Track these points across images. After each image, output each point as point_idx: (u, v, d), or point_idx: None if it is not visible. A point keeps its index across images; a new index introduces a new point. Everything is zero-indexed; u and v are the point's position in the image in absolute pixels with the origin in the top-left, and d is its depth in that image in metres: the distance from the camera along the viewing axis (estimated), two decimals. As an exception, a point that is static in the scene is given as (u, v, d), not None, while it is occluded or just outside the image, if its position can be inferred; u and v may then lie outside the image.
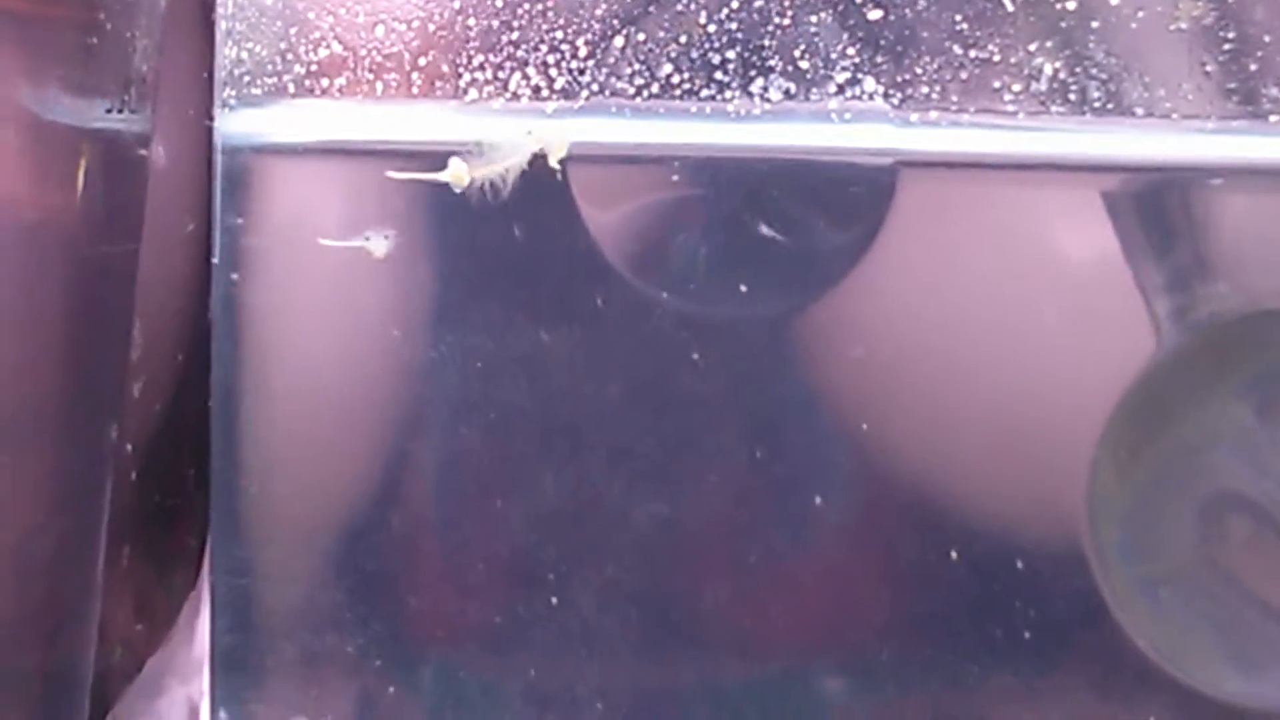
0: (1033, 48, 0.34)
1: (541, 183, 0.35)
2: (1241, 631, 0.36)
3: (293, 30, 0.36)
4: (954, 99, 0.34)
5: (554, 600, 0.36)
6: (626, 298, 0.35)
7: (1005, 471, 0.35)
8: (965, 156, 0.35)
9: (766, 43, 0.35)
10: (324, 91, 0.36)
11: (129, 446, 0.41)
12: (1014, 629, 0.36)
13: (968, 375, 0.35)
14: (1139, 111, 0.34)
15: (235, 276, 0.37)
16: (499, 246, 0.36)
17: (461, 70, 0.36)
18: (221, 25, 0.37)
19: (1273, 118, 0.34)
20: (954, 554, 0.35)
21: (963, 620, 0.36)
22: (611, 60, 0.35)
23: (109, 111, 0.39)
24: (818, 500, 0.36)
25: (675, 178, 0.35)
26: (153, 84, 0.40)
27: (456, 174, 0.35)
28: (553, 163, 0.35)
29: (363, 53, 0.36)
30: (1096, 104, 0.34)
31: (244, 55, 0.37)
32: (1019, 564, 0.35)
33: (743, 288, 0.35)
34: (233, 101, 0.37)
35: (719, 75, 0.35)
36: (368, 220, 0.36)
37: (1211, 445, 0.35)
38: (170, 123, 0.41)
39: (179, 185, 0.41)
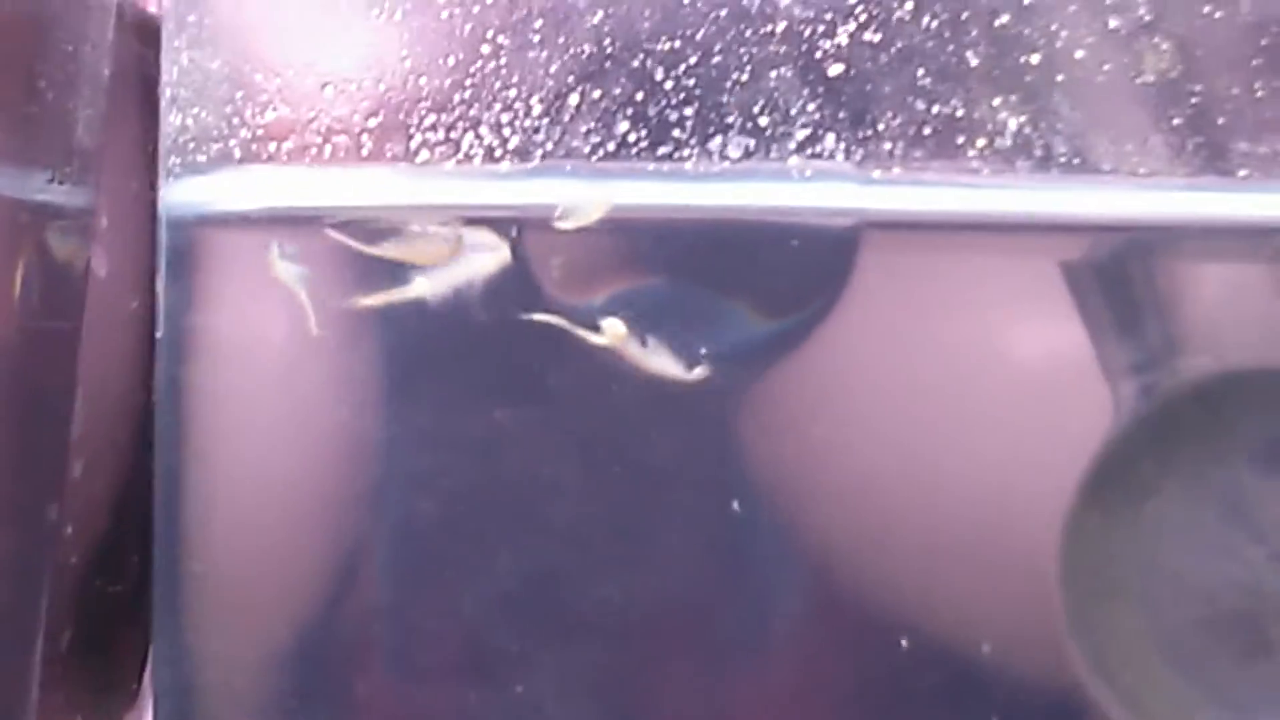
0: (996, 103, 0.34)
1: (503, 250, 0.35)
2: (1227, 699, 0.35)
3: (239, 94, 0.36)
4: (917, 156, 0.34)
5: (516, 688, 0.35)
6: (582, 365, 0.35)
7: (973, 551, 0.34)
8: (929, 217, 0.34)
9: (725, 99, 0.34)
10: (271, 157, 0.35)
11: (69, 529, 0.40)
12: (983, 714, 0.35)
13: (931, 446, 0.34)
14: (1105, 168, 0.34)
15: (179, 354, 0.36)
16: (452, 321, 0.35)
17: (413, 131, 0.35)
18: (166, 92, 0.36)
19: (1241, 173, 0.33)
20: (921, 638, 0.34)
21: (932, 706, 0.35)
22: (566, 119, 0.34)
23: (50, 183, 0.38)
24: (779, 579, 0.35)
25: (632, 238, 0.34)
26: (96, 157, 0.39)
27: (616, 334, 0.34)
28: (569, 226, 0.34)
29: (311, 115, 0.35)
30: (1062, 160, 0.34)
31: (189, 122, 0.36)
32: (985, 648, 0.34)
33: (702, 351, 0.34)
34: (177, 169, 0.36)
35: (676, 133, 0.34)
36: (317, 292, 0.35)
37: (1187, 513, 0.34)
38: (114, 197, 0.40)
39: (123, 261, 0.40)
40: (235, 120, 0.36)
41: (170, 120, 0.36)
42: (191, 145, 0.36)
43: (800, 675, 0.35)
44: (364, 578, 0.36)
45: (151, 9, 0.41)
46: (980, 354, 0.34)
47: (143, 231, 0.38)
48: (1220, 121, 0.33)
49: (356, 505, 0.36)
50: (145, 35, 0.40)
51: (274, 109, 0.35)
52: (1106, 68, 0.33)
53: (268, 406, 0.36)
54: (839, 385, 0.34)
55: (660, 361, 0.34)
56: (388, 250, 0.35)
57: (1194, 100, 0.33)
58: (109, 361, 0.41)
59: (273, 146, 0.35)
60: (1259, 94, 0.33)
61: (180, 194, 0.36)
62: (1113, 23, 0.33)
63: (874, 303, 0.34)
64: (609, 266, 0.34)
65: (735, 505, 0.35)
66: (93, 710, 0.44)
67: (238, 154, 0.36)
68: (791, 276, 0.34)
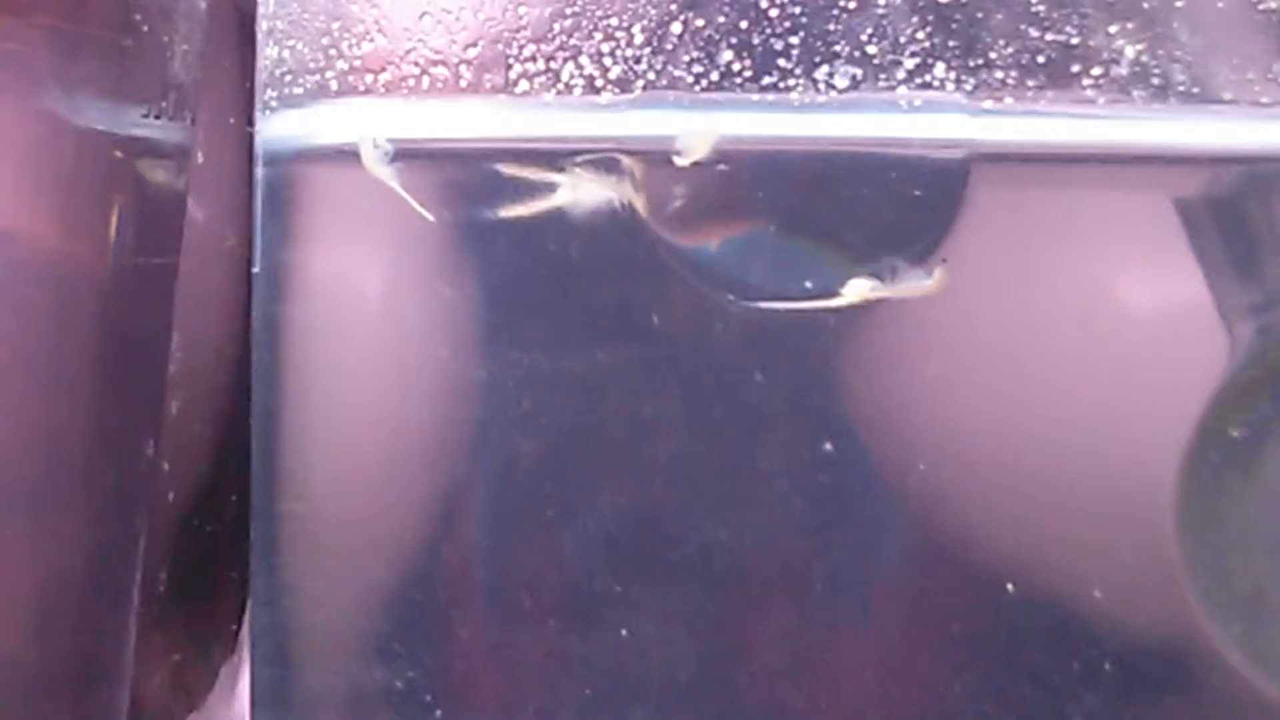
0: (1113, 30, 0.33)
1: (602, 183, 0.34)
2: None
3: (335, 25, 0.35)
4: (1029, 85, 0.33)
5: (618, 631, 0.35)
6: (683, 304, 0.34)
7: (1088, 492, 0.34)
8: (1042, 147, 0.33)
9: (831, 27, 0.33)
10: (368, 89, 0.35)
11: (166, 465, 0.39)
12: (1096, 660, 0.34)
13: (1043, 387, 0.34)
14: (1226, 97, 0.33)
15: (276, 291, 0.36)
16: (552, 255, 0.34)
17: (512, 62, 0.34)
18: (263, 24, 0.36)
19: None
20: (1032, 584, 0.34)
21: (1042, 652, 0.34)
22: (669, 48, 0.34)
23: (146, 117, 0.38)
24: (884, 524, 0.34)
25: (738, 171, 0.34)
26: (193, 92, 0.39)
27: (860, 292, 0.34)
28: (685, 162, 0.33)
29: (408, 46, 0.35)
30: (1181, 89, 0.33)
31: (285, 54, 0.36)
32: (1097, 594, 0.34)
33: (808, 285, 0.33)
34: (274, 103, 0.36)
35: (781, 62, 0.33)
36: (413, 229, 0.35)
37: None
38: (211, 132, 0.40)
39: (220, 196, 0.40)
40: (332, 52, 0.35)
41: (267, 53, 0.36)
42: (288, 78, 0.36)
43: (906, 621, 0.35)
44: (463, 518, 0.36)
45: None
46: (1094, 292, 0.33)
47: (240, 167, 0.37)
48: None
49: (456, 442, 0.35)
50: (244, -31, 0.39)
51: (370, 40, 0.35)
52: (1227, -6, 0.33)
53: (364, 343, 0.36)
54: (950, 323, 0.33)
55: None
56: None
57: (1318, 27, 0.32)
58: (206, 299, 0.40)
59: (370, 78, 0.35)
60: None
61: (277, 128, 0.36)
62: (1235, -53, 0.32)
63: (986, 237, 0.33)
64: (715, 200, 0.34)
65: (841, 447, 0.34)
66: (191, 651, 0.44)
67: (335, 86, 0.35)
68: (901, 210, 0.33)
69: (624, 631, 0.35)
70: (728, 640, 0.35)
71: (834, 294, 0.33)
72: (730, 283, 0.34)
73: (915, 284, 0.33)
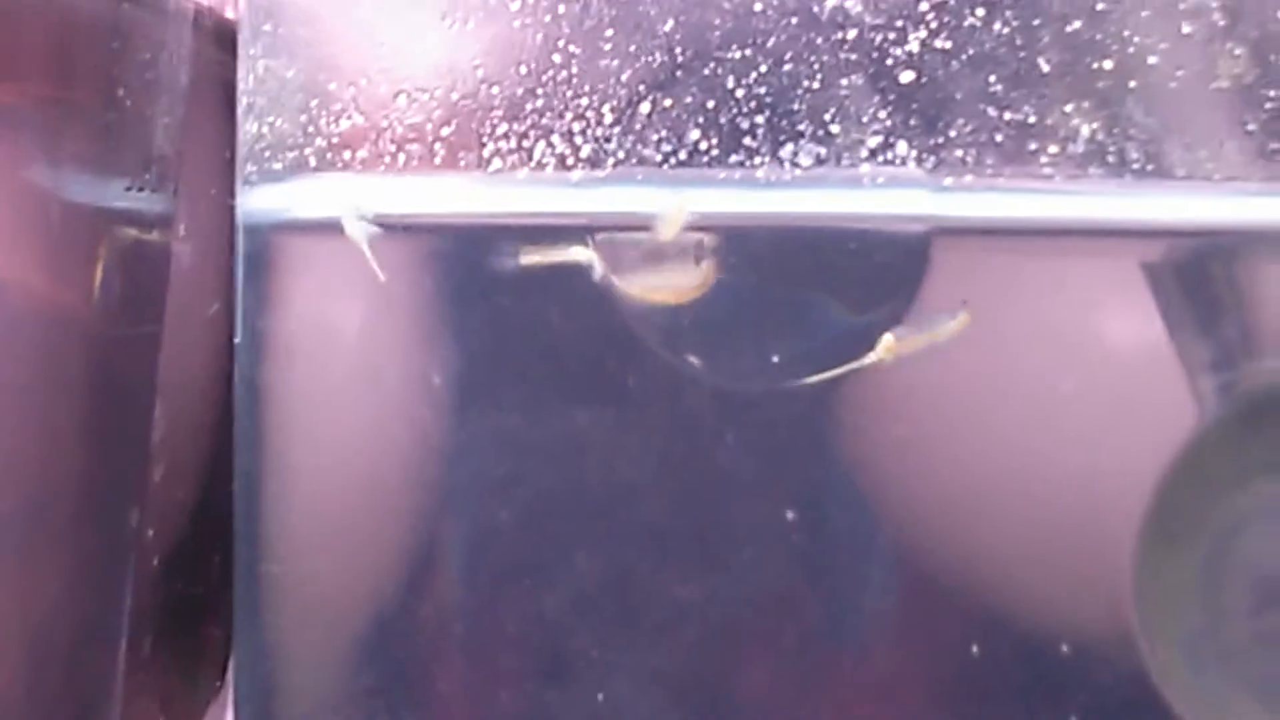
0: (1069, 109, 0.33)
1: (572, 257, 0.35)
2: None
3: (314, 103, 0.36)
4: (989, 162, 0.34)
5: (593, 690, 0.35)
6: (659, 374, 0.35)
7: (1048, 553, 0.34)
8: (1001, 222, 0.34)
9: (796, 107, 0.34)
10: (346, 165, 0.36)
11: (150, 532, 0.40)
12: (1061, 714, 0.34)
13: (1007, 453, 0.34)
14: (1180, 173, 0.33)
15: (257, 357, 0.36)
16: (528, 323, 0.35)
17: (485, 140, 0.35)
18: (242, 100, 0.37)
19: (1321, 176, 0.33)
20: (996, 640, 0.34)
21: (1009, 707, 0.35)
22: (638, 127, 0.34)
23: (129, 190, 0.39)
24: (853, 585, 0.35)
25: (704, 246, 0.34)
26: (175, 163, 0.40)
27: (888, 347, 0.34)
28: (667, 237, 0.34)
29: (384, 124, 0.35)
30: (1136, 166, 0.33)
31: (264, 130, 0.36)
32: (1064, 648, 0.34)
33: (774, 359, 0.34)
34: (254, 177, 0.36)
35: (748, 140, 0.34)
36: (391, 298, 0.36)
37: (1260, 520, 0.34)
38: (193, 203, 0.40)
39: (203, 266, 0.40)
40: (310, 129, 0.36)
41: (247, 128, 0.37)
42: (268, 153, 0.36)
43: (875, 675, 0.35)
44: (441, 578, 0.36)
45: (230, 15, 0.41)
46: (1052, 357, 0.34)
47: (222, 236, 0.38)
48: (1297, 126, 0.33)
49: (433, 505, 0.36)
50: (223, 41, 0.40)
51: (348, 117, 0.36)
52: (1180, 73, 0.33)
53: (343, 409, 0.37)
54: (912, 389, 0.34)
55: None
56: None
57: (1269, 105, 0.33)
58: (189, 365, 0.41)
59: (347, 154, 0.36)
60: (1335, 98, 0.33)
61: (257, 201, 0.37)
62: (1186, 28, 0.33)
63: (947, 308, 0.34)
64: (685, 275, 0.34)
65: (812, 508, 0.35)
66: (176, 708, 0.44)
67: (313, 161, 0.36)
68: (865, 283, 0.34)
69: (599, 694, 0.35)
70: (701, 701, 0.35)
71: (857, 354, 0.34)
72: (700, 355, 0.34)
73: (942, 328, 0.34)
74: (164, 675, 0.42)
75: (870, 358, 0.34)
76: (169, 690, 0.43)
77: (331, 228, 0.36)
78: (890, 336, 0.34)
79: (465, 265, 0.35)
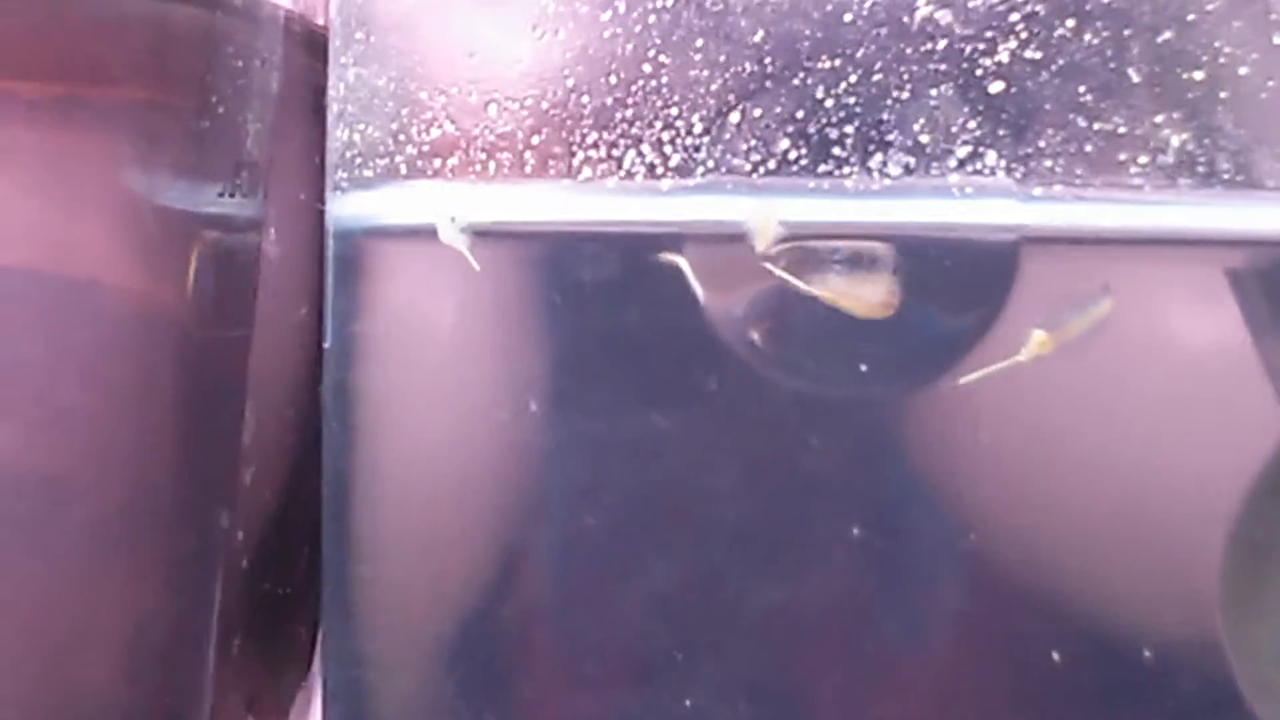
0: (1159, 119, 0.33)
1: (654, 264, 0.35)
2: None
3: (404, 111, 0.36)
4: (1078, 172, 0.34)
5: (680, 693, 0.35)
6: (744, 379, 0.35)
7: (1135, 561, 0.34)
8: (1089, 232, 0.34)
9: (885, 117, 0.34)
10: (436, 173, 0.36)
11: (240, 534, 0.40)
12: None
13: (1092, 461, 0.34)
14: (1270, 184, 0.33)
15: (347, 361, 0.37)
16: (613, 329, 0.35)
17: (575, 149, 0.35)
18: (333, 108, 0.37)
19: None
20: (1078, 650, 0.34)
21: (1092, 716, 0.35)
22: (727, 136, 0.35)
23: (221, 196, 0.39)
24: (937, 590, 0.35)
25: (793, 255, 0.34)
26: (265, 168, 0.40)
27: (1040, 342, 0.34)
28: (760, 248, 0.34)
29: (475, 133, 0.36)
30: (1225, 177, 0.33)
31: (355, 137, 0.37)
32: (1148, 655, 0.34)
33: (863, 368, 0.34)
34: (344, 184, 0.37)
35: (837, 150, 0.34)
36: (480, 303, 0.36)
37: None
38: (283, 207, 0.41)
39: (292, 270, 0.41)
40: (401, 137, 0.36)
41: (337, 135, 0.37)
42: (358, 160, 0.37)
43: (956, 681, 0.35)
44: (528, 582, 0.36)
45: (320, 21, 0.41)
46: (1141, 366, 0.34)
47: (311, 241, 0.38)
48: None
49: (522, 508, 0.36)
50: (314, 48, 0.40)
51: (439, 126, 0.36)
52: (1271, 83, 0.33)
53: (430, 412, 0.37)
54: (999, 397, 0.34)
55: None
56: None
57: (1359, 116, 0.33)
58: (277, 368, 0.41)
59: (437, 162, 0.36)
60: None
61: (347, 207, 0.37)
62: (1277, 39, 0.33)
63: (1034, 318, 0.34)
64: (769, 281, 0.35)
65: (896, 516, 0.35)
66: (262, 705, 0.44)
67: (403, 169, 0.36)
68: (954, 293, 0.34)
69: (686, 700, 0.36)
70: (784, 707, 0.35)
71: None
72: (790, 366, 0.34)
73: (1086, 316, 0.34)
74: (250, 673, 0.43)
75: (1023, 355, 0.34)
76: (255, 687, 0.43)
77: (422, 234, 0.36)
78: (1040, 332, 0.34)
79: (554, 272, 0.35)
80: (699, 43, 0.35)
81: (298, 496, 0.42)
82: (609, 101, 0.35)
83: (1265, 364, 0.34)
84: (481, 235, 0.36)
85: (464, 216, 0.35)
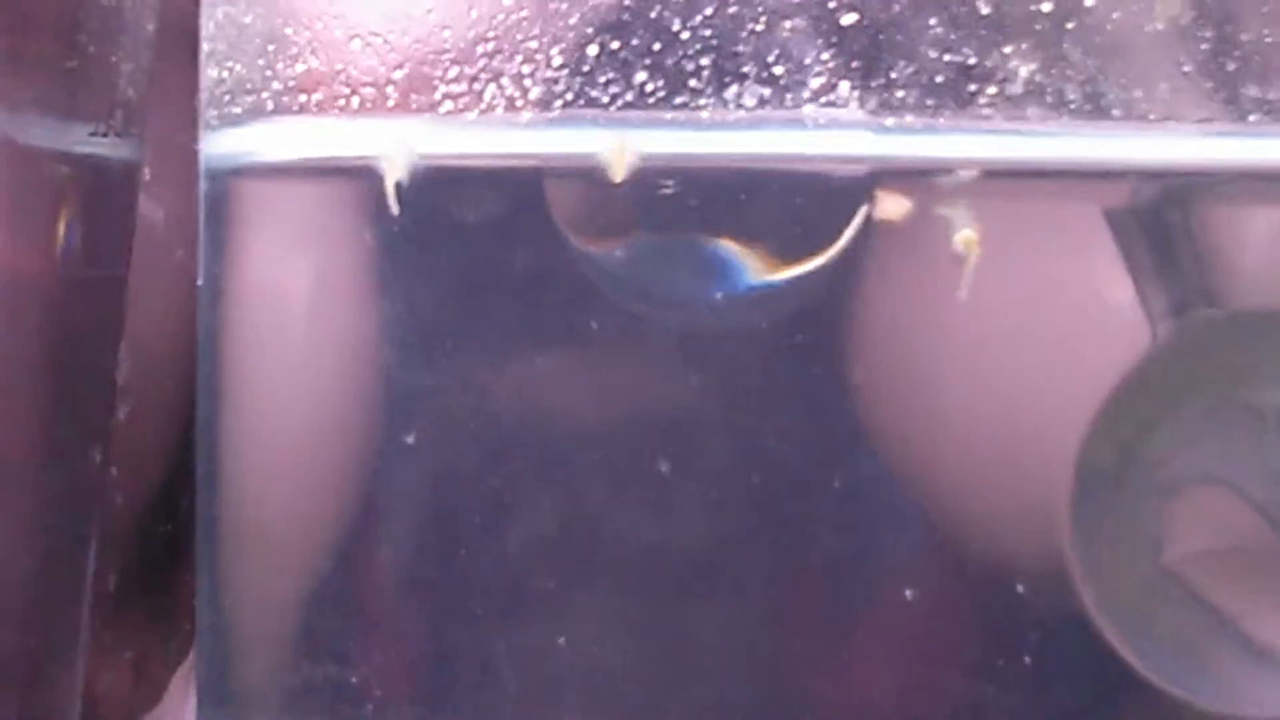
0: (1008, 50, 0.34)
1: (526, 199, 0.35)
2: (1221, 638, 0.35)
3: (270, 47, 0.36)
4: (929, 104, 0.34)
5: (552, 632, 0.36)
6: (611, 314, 0.35)
7: (995, 496, 0.35)
8: (939, 163, 0.34)
9: (740, 49, 0.34)
10: (302, 108, 0.36)
11: (114, 470, 0.41)
12: (1013, 650, 0.35)
13: (945, 389, 0.35)
14: (1116, 113, 0.34)
15: (216, 301, 0.37)
16: (485, 267, 0.36)
17: (436, 83, 0.35)
18: (204, 46, 0.37)
19: (1251, 118, 0.33)
20: (939, 583, 0.35)
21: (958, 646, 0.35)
22: (586, 69, 0.35)
23: (93, 135, 0.39)
24: (807, 526, 0.35)
25: (649, 186, 0.35)
26: (141, 109, 0.40)
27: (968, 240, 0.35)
28: (617, 179, 0.35)
29: (339, 68, 0.36)
30: (1073, 106, 0.34)
31: (224, 75, 0.37)
32: (1019, 589, 0.35)
33: (718, 296, 0.34)
34: (214, 122, 0.37)
35: (693, 82, 0.34)
36: (348, 240, 0.36)
37: (1197, 445, 0.35)
38: (161, 148, 0.41)
39: (171, 210, 0.41)
40: (268, 73, 0.36)
41: (208, 73, 0.37)
42: (227, 98, 0.37)
43: (826, 618, 0.36)
44: (400, 525, 0.36)
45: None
46: (990, 298, 0.34)
47: (189, 181, 0.39)
48: (1230, 68, 0.34)
49: (396, 446, 0.36)
50: (190, -11, 0.40)
51: (304, 61, 0.36)
52: (1116, 15, 0.34)
53: (300, 353, 0.37)
54: (853, 329, 0.34)
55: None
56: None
57: (1204, 47, 0.34)
58: (157, 309, 0.41)
59: (303, 98, 0.36)
60: (1268, 40, 0.33)
61: (218, 145, 0.37)
62: (1123, -30, 0.34)
63: (886, 250, 0.34)
64: (628, 214, 0.35)
65: (767, 448, 0.35)
66: (152, 644, 0.44)
67: (270, 106, 0.36)
68: (807, 224, 0.34)
69: (560, 637, 0.36)
70: (664, 645, 0.36)
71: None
72: (644, 295, 0.35)
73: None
74: (131, 612, 0.43)
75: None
76: (137, 627, 0.43)
77: (289, 171, 0.36)
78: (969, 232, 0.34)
79: (417, 208, 0.36)
80: (557, -24, 0.35)
81: (182, 435, 0.42)
82: (470, 35, 0.35)
83: (1106, 292, 0.34)
84: (343, 172, 0.36)
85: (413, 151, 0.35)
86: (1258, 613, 0.35)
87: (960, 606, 0.35)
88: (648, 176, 0.35)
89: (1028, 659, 0.35)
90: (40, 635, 0.39)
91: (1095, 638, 0.35)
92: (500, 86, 0.35)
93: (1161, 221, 0.34)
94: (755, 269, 0.34)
